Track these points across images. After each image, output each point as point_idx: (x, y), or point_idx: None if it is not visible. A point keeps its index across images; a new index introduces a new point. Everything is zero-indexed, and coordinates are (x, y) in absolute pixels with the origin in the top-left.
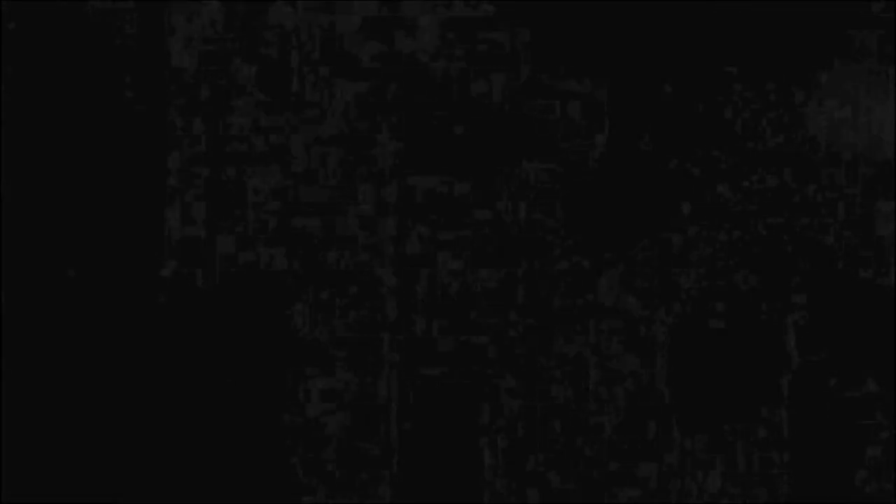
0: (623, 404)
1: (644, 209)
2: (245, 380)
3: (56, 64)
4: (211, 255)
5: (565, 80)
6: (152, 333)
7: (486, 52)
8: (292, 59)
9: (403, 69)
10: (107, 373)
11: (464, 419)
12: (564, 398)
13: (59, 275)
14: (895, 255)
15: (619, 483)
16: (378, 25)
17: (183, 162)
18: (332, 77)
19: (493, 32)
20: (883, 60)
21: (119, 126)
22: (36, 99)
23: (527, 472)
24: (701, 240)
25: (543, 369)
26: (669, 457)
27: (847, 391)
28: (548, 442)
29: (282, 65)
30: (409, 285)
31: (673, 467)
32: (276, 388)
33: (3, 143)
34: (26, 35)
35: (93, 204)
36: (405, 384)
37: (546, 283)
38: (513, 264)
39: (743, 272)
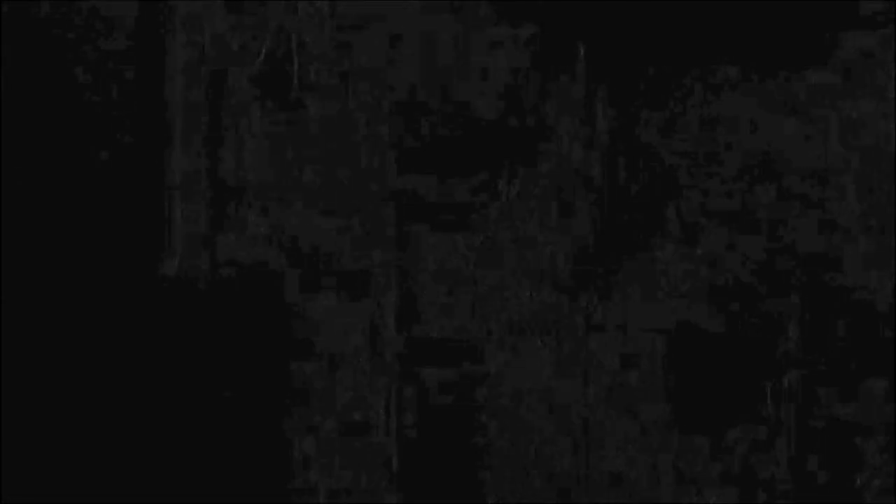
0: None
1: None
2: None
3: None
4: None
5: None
6: (152, 332)
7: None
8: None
9: None
10: (106, 372)
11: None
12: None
13: (56, 272)
14: (895, 258)
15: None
16: None
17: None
18: None
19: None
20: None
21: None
22: (33, 94)
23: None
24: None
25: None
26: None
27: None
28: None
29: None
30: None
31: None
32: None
33: (3, 142)
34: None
35: (91, 200)
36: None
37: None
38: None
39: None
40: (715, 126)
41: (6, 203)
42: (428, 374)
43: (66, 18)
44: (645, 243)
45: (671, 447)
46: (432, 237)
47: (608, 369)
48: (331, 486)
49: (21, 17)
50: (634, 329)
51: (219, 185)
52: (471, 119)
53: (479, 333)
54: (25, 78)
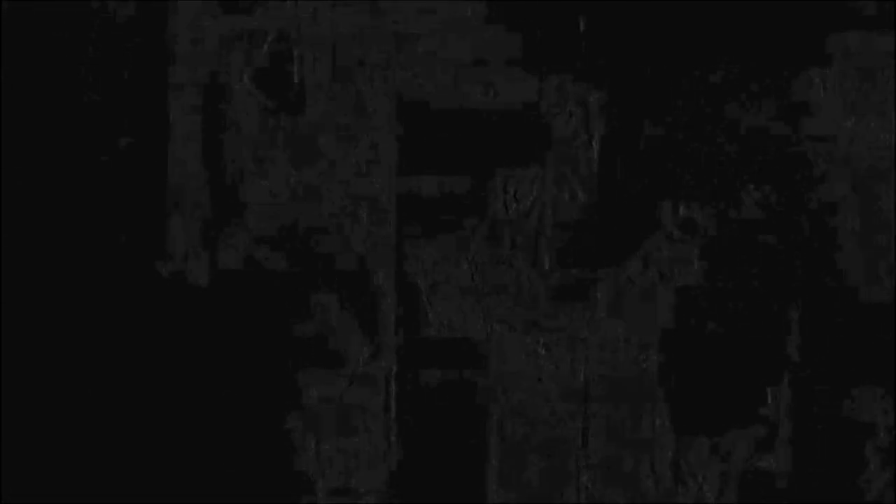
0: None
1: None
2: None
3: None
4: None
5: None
6: (152, 332)
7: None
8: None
9: None
10: (105, 372)
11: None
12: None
13: (56, 273)
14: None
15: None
16: None
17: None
18: None
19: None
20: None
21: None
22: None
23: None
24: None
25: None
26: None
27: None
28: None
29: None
30: None
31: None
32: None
33: (3, 140)
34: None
35: (90, 200)
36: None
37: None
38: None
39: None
40: (716, 125)
41: (6, 203)
42: (428, 375)
43: (66, 18)
44: (644, 242)
45: (670, 447)
46: (432, 236)
47: (609, 369)
48: (331, 486)
49: (21, 17)
50: (634, 329)
51: (219, 185)
52: (471, 119)
53: (479, 335)
54: (25, 78)
